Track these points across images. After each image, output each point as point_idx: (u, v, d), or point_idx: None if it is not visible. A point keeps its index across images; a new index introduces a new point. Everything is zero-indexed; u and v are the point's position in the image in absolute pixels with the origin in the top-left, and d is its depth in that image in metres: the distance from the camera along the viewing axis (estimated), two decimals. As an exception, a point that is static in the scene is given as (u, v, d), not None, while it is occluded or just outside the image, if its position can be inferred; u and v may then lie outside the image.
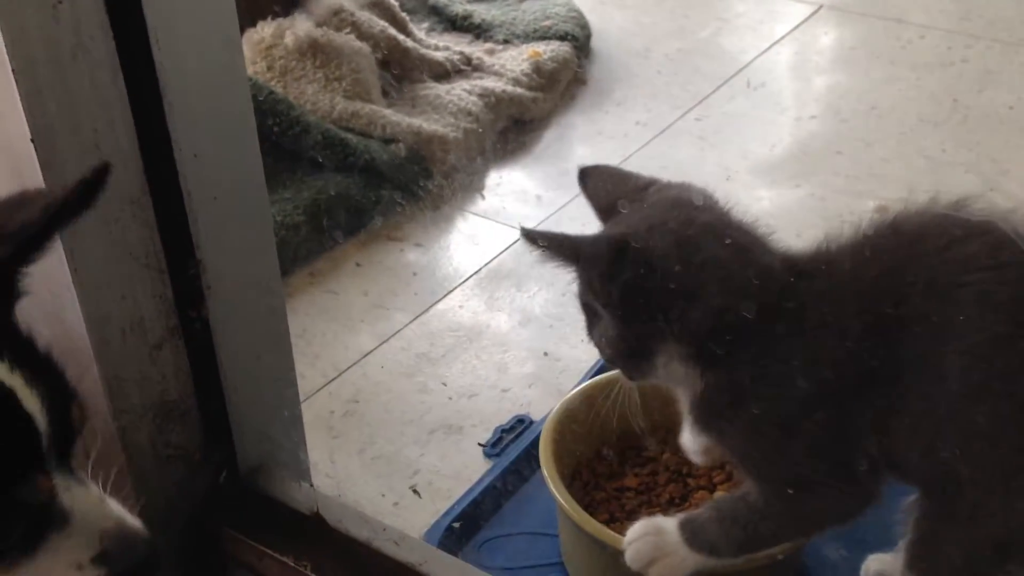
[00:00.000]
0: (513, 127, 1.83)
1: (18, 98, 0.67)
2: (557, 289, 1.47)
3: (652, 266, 0.75)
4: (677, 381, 0.83)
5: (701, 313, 0.75)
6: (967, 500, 0.78)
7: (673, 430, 1.10)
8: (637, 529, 0.88)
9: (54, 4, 0.66)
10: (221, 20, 0.75)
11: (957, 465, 0.77)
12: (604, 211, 0.84)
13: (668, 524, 0.88)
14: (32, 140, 0.68)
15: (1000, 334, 0.73)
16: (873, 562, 0.98)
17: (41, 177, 0.69)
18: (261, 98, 1.55)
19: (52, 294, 0.76)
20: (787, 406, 0.77)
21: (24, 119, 0.67)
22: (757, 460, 0.82)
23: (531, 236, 0.81)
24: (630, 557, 0.87)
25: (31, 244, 0.61)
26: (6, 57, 0.65)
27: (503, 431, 1.22)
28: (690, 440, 0.94)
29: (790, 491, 0.81)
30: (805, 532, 0.88)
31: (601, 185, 0.85)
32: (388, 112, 1.68)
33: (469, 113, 1.74)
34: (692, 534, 0.86)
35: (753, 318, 0.75)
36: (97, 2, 0.68)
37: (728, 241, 0.77)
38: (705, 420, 0.82)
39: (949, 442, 0.76)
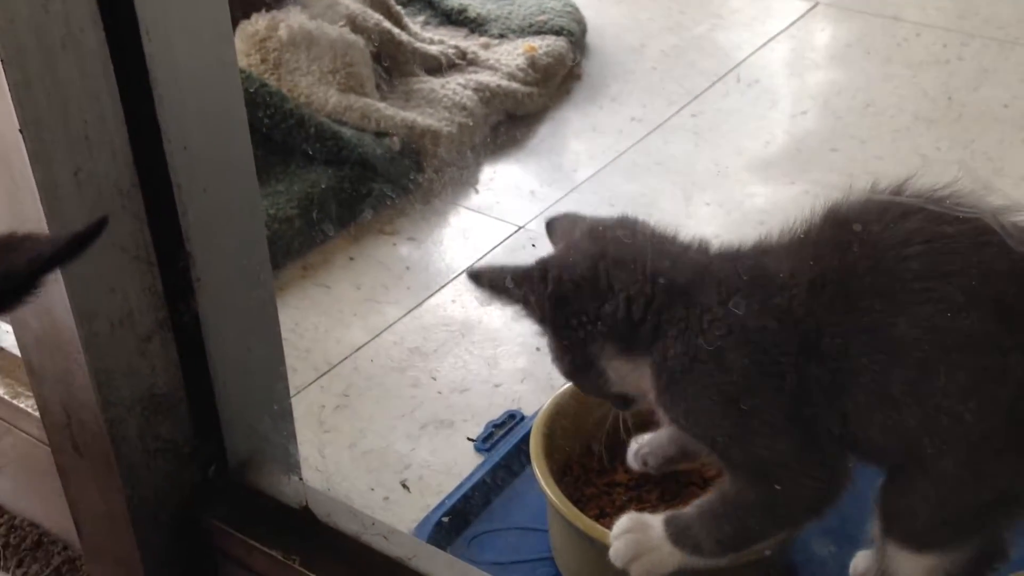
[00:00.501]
0: (507, 122, 1.83)
1: (7, 88, 0.66)
2: (550, 284, 1.47)
3: (568, 277, 0.83)
4: (633, 384, 0.86)
5: (613, 307, 0.82)
6: (935, 471, 0.79)
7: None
8: (623, 524, 0.88)
9: (44, -6, 0.66)
10: (212, 12, 0.75)
11: (920, 439, 0.77)
12: None
13: (654, 520, 0.88)
14: (21, 131, 0.68)
15: (952, 303, 0.74)
16: (862, 558, 0.98)
17: (30, 168, 0.69)
18: (253, 91, 1.55)
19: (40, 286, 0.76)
20: (727, 387, 0.79)
21: (13, 109, 0.67)
22: (720, 445, 0.83)
23: (476, 277, 0.87)
24: (614, 552, 0.87)
25: (10, 296, 0.58)
26: (-5, 47, 0.65)
27: (494, 426, 1.22)
28: (632, 448, 0.99)
29: (758, 477, 0.82)
30: (781, 524, 0.87)
31: (562, 231, 0.91)
32: (382, 106, 1.68)
33: (463, 107, 1.74)
34: (676, 531, 0.86)
35: (668, 303, 0.81)
36: (87, -8, 0.68)
37: (631, 243, 0.84)
38: (665, 410, 0.84)
39: (910, 416, 0.77)
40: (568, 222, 0.91)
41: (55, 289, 0.75)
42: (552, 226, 0.92)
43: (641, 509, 1.02)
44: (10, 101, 0.67)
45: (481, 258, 1.52)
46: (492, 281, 0.86)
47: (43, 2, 0.66)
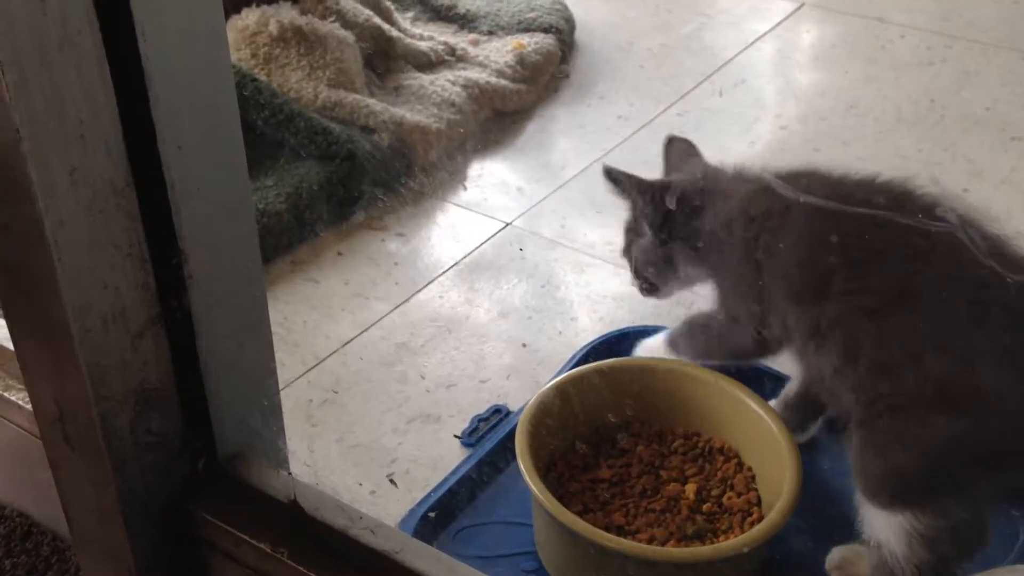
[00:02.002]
0: (496, 118, 1.84)
1: (4, 89, 0.67)
2: (536, 281, 1.48)
3: (682, 200, 1.09)
4: (692, 280, 1.15)
5: (700, 229, 1.09)
6: (885, 423, 0.91)
7: (646, 424, 1.13)
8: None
9: (41, -4, 0.67)
10: (207, 14, 0.76)
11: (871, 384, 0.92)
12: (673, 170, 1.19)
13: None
14: (18, 130, 0.68)
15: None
16: (837, 552, 1.01)
17: (27, 167, 0.70)
18: (245, 87, 1.56)
19: (34, 283, 0.77)
20: (722, 263, 1.08)
21: (10, 109, 0.68)
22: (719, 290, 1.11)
23: (610, 174, 1.15)
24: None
25: None
26: (-7, 48, 0.66)
27: (480, 420, 1.23)
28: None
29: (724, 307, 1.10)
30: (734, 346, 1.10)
31: (677, 154, 1.20)
32: (371, 102, 1.69)
33: (452, 104, 1.75)
34: (670, 340, 1.16)
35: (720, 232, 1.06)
36: (84, -5, 0.69)
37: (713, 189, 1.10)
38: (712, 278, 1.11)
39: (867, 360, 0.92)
40: (682, 149, 1.20)
41: (49, 285, 0.76)
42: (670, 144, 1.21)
43: (623, 505, 1.04)
44: (7, 101, 0.68)
45: (468, 254, 1.53)
46: (622, 180, 1.13)
47: (40, 4, 0.67)
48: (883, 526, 0.91)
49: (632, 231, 1.16)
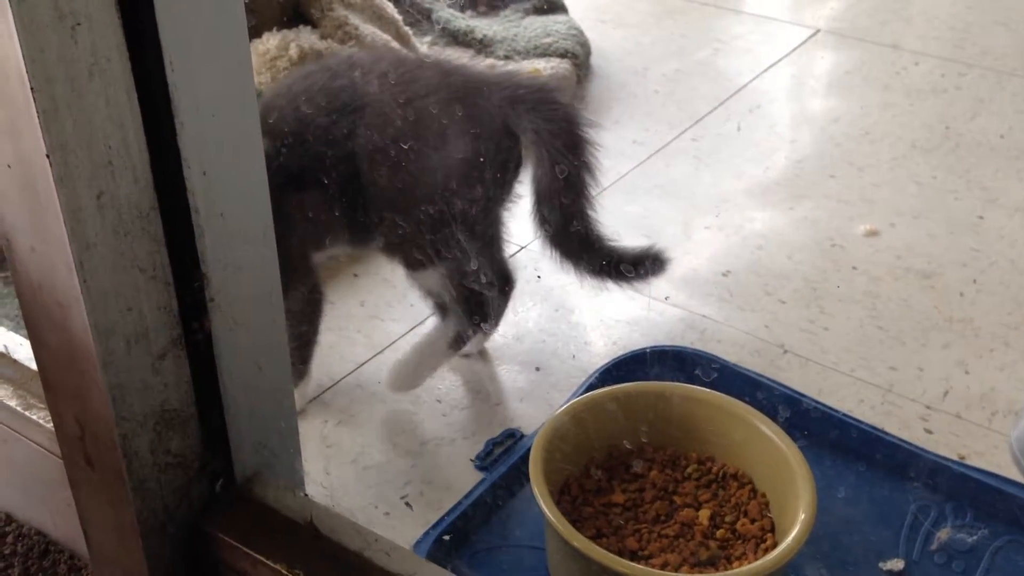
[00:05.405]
0: (511, 142, 1.85)
1: (36, 115, 0.69)
2: (550, 304, 1.49)
3: None
4: None
5: None
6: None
7: (660, 449, 1.13)
8: None
9: (73, 26, 0.68)
10: (234, 43, 0.77)
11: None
12: None
13: None
14: (48, 156, 0.70)
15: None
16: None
17: (55, 192, 0.71)
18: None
19: (59, 304, 0.78)
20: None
21: (40, 135, 0.69)
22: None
23: None
24: None
25: None
26: (25, 76, 0.67)
27: (494, 444, 1.24)
28: None
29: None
30: (305, 325, 1.26)
31: None
32: (389, 125, 1.70)
33: (469, 128, 1.76)
34: None
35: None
36: (114, 24, 0.70)
37: None
38: None
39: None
40: None
41: (74, 307, 0.77)
42: None
43: (637, 530, 1.04)
44: (38, 127, 0.69)
45: (483, 277, 1.54)
46: None
47: (72, 33, 0.69)
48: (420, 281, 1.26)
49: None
